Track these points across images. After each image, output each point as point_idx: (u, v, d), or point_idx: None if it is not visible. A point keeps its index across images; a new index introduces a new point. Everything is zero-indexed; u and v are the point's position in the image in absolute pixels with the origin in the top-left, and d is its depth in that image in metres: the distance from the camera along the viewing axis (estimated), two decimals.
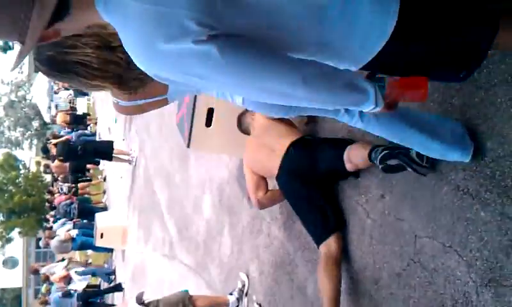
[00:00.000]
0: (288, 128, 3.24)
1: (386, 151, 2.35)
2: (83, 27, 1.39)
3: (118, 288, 11.69)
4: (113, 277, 12.59)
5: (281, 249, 3.75)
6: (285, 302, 3.65)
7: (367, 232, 2.71)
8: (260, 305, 4.03)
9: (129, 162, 10.76)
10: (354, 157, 2.68)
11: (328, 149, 2.90)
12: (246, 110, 3.58)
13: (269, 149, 3.20)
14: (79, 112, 19.28)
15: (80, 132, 16.18)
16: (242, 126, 3.63)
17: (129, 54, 1.33)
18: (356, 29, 1.39)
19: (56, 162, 14.02)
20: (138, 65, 1.35)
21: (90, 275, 12.43)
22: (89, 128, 18.14)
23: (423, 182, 2.33)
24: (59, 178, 15.47)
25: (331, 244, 2.85)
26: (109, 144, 10.74)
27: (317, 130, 3.35)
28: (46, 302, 12.79)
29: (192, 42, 1.25)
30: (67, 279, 11.75)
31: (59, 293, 11.52)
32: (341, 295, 2.83)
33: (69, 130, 16.33)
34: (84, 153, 10.59)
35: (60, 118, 17.01)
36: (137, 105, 1.81)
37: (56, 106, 20.35)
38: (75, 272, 12.11)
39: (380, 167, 2.38)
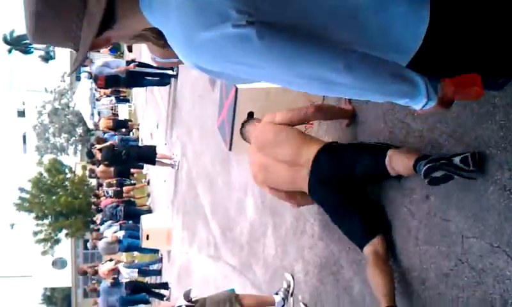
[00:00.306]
0: (306, 137, 3.19)
1: (429, 165, 2.31)
2: (132, 33, 1.45)
3: (165, 286, 11.96)
4: (161, 265, 12.91)
5: (325, 249, 3.78)
6: (330, 303, 3.68)
7: (412, 233, 2.72)
8: (306, 305, 4.08)
9: (172, 166, 10.95)
10: (397, 164, 2.65)
11: (366, 155, 2.86)
12: (251, 118, 3.62)
13: (289, 163, 3.13)
14: (121, 118, 19.69)
15: (123, 136, 16.59)
16: (244, 135, 3.63)
17: (172, 47, 1.37)
18: (390, 30, 1.38)
19: (101, 167, 14.42)
20: (181, 58, 1.38)
21: (137, 270, 12.73)
22: (131, 133, 18.53)
23: (468, 183, 2.33)
24: (104, 183, 15.87)
25: (376, 244, 2.86)
26: (152, 148, 11.00)
27: (358, 133, 3.37)
28: (95, 290, 13.18)
29: (232, 26, 1.27)
30: (115, 272, 12.09)
31: (108, 283, 11.99)
32: None
33: (112, 134, 16.71)
34: (128, 158, 10.88)
35: (103, 124, 17.43)
36: (171, 62, 1.86)
37: (99, 113, 20.82)
38: (123, 265, 12.46)
39: (426, 181, 2.35)
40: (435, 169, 2.29)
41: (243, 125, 3.63)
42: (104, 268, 12.05)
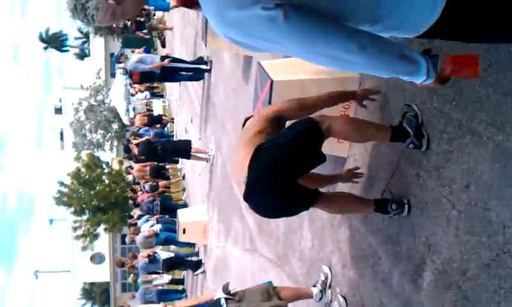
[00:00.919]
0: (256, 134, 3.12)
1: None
2: None
3: (199, 264, 12.34)
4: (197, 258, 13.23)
5: (363, 242, 3.77)
6: (369, 295, 3.67)
7: (452, 223, 2.69)
8: (344, 297, 4.08)
9: (207, 160, 11.06)
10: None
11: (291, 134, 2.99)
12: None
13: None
14: (155, 113, 19.99)
15: (158, 130, 16.88)
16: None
17: (207, 20, 1.57)
18: (409, 16, 1.54)
19: (137, 167, 14.83)
20: (214, 28, 1.57)
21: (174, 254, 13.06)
22: (166, 128, 18.78)
23: (509, 172, 2.29)
24: (140, 182, 16.18)
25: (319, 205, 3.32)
26: (187, 143, 11.20)
27: None
28: (134, 267, 13.49)
29: (261, 8, 1.44)
30: (152, 257, 12.43)
31: (146, 260, 12.41)
32: (427, 287, 2.84)
33: (147, 129, 17.01)
34: (163, 152, 11.23)
35: (138, 121, 17.78)
36: None
37: (134, 108, 21.15)
38: (161, 249, 12.78)
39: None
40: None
41: (245, 121, 3.55)
42: (143, 253, 12.46)
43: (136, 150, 12.00)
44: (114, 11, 1.51)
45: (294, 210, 3.38)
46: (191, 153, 10.91)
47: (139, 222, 15.15)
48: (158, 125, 18.04)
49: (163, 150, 11.18)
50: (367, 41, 1.54)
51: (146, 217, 14.75)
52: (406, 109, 3.04)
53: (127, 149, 14.66)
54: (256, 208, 3.28)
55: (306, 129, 2.94)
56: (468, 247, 2.57)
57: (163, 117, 19.45)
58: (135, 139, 14.40)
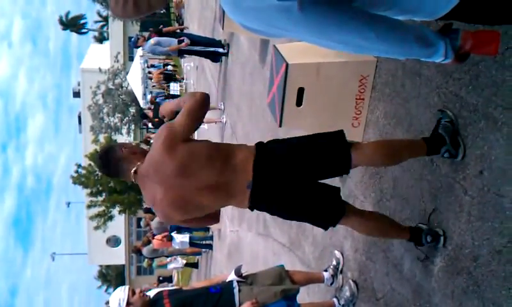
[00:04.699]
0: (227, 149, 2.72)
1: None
2: None
3: (210, 244, 12.79)
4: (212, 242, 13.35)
5: None
6: (380, 280, 3.67)
7: (465, 209, 2.67)
8: (355, 282, 4.08)
9: (220, 122, 11.70)
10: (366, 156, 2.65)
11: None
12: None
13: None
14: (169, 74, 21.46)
15: (173, 95, 18.14)
16: None
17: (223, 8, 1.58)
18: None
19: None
20: (229, 15, 1.59)
21: (189, 238, 13.18)
22: (178, 84, 20.55)
23: None
24: None
25: (346, 221, 2.79)
26: None
27: (411, 108, 3.30)
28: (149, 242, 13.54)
29: None
30: (168, 238, 12.54)
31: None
32: (438, 272, 2.84)
33: (163, 97, 17.80)
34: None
35: (155, 77, 19.96)
36: None
37: (151, 93, 21.27)
38: (175, 233, 12.94)
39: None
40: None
41: None
42: (157, 237, 12.60)
43: (151, 114, 12.32)
44: (139, 4, 1.51)
45: (312, 216, 2.80)
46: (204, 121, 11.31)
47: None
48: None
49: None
50: (384, 27, 1.51)
51: None
52: (440, 115, 2.78)
53: (144, 116, 15.37)
54: (269, 209, 2.79)
55: (330, 133, 2.67)
56: (479, 233, 2.56)
57: (176, 74, 21.26)
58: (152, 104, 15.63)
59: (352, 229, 3.07)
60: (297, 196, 2.62)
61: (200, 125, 2.81)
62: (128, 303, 3.89)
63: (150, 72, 21.02)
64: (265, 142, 2.70)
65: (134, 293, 3.95)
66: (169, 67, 22.35)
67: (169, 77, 20.27)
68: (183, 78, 21.55)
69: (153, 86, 21.31)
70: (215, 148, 2.63)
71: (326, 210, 2.70)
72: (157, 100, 17.32)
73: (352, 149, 2.59)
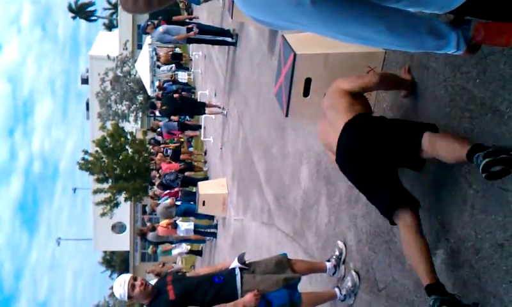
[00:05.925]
0: (348, 105, 2.99)
1: (489, 159, 2.13)
2: None
3: (214, 232, 13.01)
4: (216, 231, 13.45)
5: (379, 218, 3.77)
6: (382, 271, 3.69)
7: (468, 202, 2.68)
8: (357, 272, 4.10)
9: (222, 113, 12.32)
10: (441, 148, 2.47)
11: (400, 131, 2.71)
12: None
13: (330, 126, 3.04)
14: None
15: (180, 85, 18.72)
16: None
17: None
18: None
19: (159, 156, 16.64)
20: (238, 6, 1.58)
21: (193, 226, 13.28)
22: (186, 72, 21.32)
23: None
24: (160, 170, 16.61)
25: (404, 216, 2.70)
26: (202, 103, 13.14)
27: (419, 101, 3.31)
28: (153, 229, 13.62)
29: None
30: (173, 225, 12.62)
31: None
32: (440, 265, 2.85)
33: (171, 84, 18.28)
34: (182, 103, 12.83)
35: (163, 57, 19.71)
36: None
37: (159, 81, 21.29)
38: (181, 220, 13.05)
39: (484, 175, 2.16)
40: (495, 163, 2.12)
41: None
42: (162, 222, 12.70)
43: (159, 104, 13.36)
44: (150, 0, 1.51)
45: (375, 194, 2.91)
46: (206, 112, 12.75)
47: (160, 201, 15.38)
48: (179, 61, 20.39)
49: (182, 101, 12.94)
50: (395, 21, 1.51)
51: (167, 191, 15.04)
52: None
53: (153, 105, 16.15)
54: (344, 168, 3.02)
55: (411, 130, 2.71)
56: (482, 226, 2.57)
57: (183, 56, 21.42)
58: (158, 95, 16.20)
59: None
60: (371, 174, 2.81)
61: None
62: (129, 297, 3.90)
63: (158, 59, 21.01)
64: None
65: (135, 279, 3.96)
66: (178, 49, 22.51)
67: (178, 56, 20.54)
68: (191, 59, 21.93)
69: (159, 67, 21.39)
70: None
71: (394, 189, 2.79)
72: (165, 85, 17.57)
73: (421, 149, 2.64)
